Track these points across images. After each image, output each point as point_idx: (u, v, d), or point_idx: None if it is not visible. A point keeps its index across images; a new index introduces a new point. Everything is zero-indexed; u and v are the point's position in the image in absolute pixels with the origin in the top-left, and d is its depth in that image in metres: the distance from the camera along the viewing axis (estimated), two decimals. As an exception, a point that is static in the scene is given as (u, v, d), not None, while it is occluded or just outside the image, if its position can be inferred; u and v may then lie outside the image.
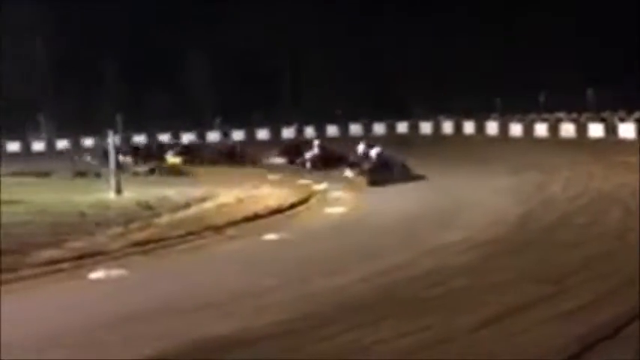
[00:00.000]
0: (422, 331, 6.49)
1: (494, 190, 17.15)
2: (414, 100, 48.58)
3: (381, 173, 21.92)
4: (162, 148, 35.52)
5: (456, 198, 16.39)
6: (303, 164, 27.27)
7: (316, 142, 29.46)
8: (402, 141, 35.65)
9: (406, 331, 6.46)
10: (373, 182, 21.08)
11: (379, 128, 47.04)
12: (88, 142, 45.85)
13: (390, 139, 41.10)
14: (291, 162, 28.39)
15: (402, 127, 46.18)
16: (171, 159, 31.92)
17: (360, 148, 24.23)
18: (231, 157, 31.30)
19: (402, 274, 9.09)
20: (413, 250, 10.53)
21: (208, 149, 36.16)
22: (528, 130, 36.79)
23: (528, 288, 7.89)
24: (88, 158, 36.88)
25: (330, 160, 26.42)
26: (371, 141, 26.66)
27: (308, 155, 28.03)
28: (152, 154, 33.21)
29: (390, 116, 47.26)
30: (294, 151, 29.60)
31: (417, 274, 9.11)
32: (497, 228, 12.38)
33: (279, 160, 29.33)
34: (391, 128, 46.58)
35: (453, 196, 16.70)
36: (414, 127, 45.41)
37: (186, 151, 33.69)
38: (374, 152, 23.77)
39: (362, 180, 21.47)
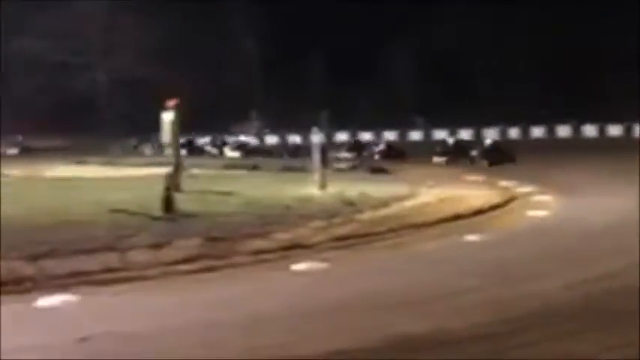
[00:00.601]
0: (630, 346, 6.13)
1: None
2: (628, 101, 45.83)
3: (495, 157, 28.89)
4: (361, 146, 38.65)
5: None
6: (372, 157, 34.27)
7: (383, 140, 39.94)
8: (614, 144, 33.76)
9: (612, 345, 6.15)
10: (491, 164, 27.98)
11: (590, 130, 44.86)
12: (295, 139, 47.74)
13: (602, 142, 39.04)
14: (359, 155, 35.27)
15: (615, 130, 43.63)
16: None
17: (450, 140, 33.02)
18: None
19: (609, 284, 8.60)
20: (622, 260, 9.91)
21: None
22: None
23: None
24: (147, 149, 40.81)
25: (395, 154, 34.03)
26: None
27: (377, 149, 36.01)
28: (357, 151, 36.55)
29: (602, 118, 44.90)
30: (360, 147, 37.92)
31: (626, 284, 8.56)
32: None
33: (348, 155, 35.67)
34: (602, 131, 44.26)
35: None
36: (628, 131, 42.73)
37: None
38: (488, 141, 33.24)
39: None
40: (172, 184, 15.30)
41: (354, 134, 50.16)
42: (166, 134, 18.27)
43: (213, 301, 8.18)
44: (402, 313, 7.47)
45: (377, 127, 51.60)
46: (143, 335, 6.75)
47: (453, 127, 48.98)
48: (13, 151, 42.36)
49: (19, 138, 44.66)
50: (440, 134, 47.48)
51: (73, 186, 20.46)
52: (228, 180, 22.03)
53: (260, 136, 52.90)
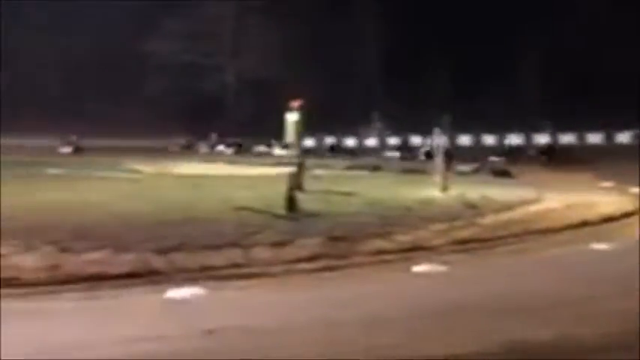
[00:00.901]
0: None
1: None
2: None
3: (552, 155, 34.68)
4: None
5: None
6: (415, 157, 38.06)
7: (428, 143, 40.81)
8: None
9: None
10: (549, 160, 33.45)
11: None
12: (416, 140, 47.61)
13: None
14: (404, 156, 39.70)
15: None
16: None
17: (511, 140, 39.12)
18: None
19: None
20: None
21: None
22: None
23: None
24: (202, 148, 45.30)
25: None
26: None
27: (422, 150, 39.01)
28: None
29: None
30: (408, 148, 42.53)
31: None
32: None
33: (397, 154, 40.48)
34: None
35: None
36: None
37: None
38: (544, 141, 42.69)
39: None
40: (295, 184, 15.58)
41: (477, 137, 49.44)
42: (290, 134, 18.64)
43: (334, 299, 8.30)
44: (524, 319, 7.32)
45: (500, 130, 50.55)
46: (267, 330, 6.93)
47: (581, 130, 47.43)
48: (67, 149, 43.21)
49: (74, 137, 45.69)
50: (566, 138, 46.44)
51: (200, 183, 21.18)
52: (350, 180, 22.22)
53: (381, 137, 52.93)
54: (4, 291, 8.43)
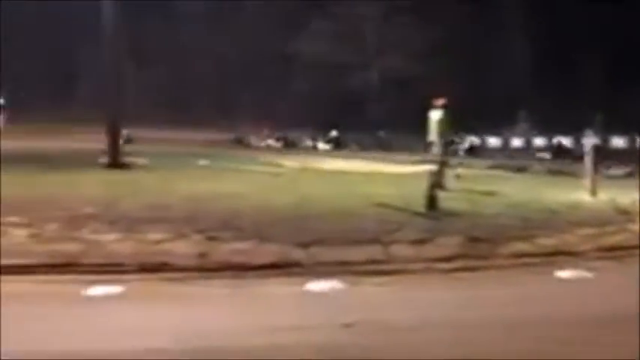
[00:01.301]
0: None
1: None
2: None
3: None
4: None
5: None
6: (455, 153, 38.06)
7: (468, 138, 44.86)
8: None
9: None
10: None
11: None
12: (565, 141, 46.16)
13: None
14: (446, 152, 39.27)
15: None
16: None
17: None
18: None
19: None
20: None
21: None
22: None
23: None
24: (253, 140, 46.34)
25: (475, 151, 40.71)
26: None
27: (461, 147, 41.59)
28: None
29: None
30: (450, 144, 43.82)
31: None
32: None
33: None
34: None
35: None
36: None
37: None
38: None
39: None
40: (436, 182, 15.47)
41: (632, 139, 47.21)
42: (433, 133, 18.53)
43: (472, 300, 8.21)
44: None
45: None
46: (404, 326, 6.96)
47: None
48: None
49: (125, 131, 47.11)
50: None
51: (341, 179, 21.46)
52: (493, 180, 21.80)
53: (527, 138, 51.52)
54: (155, 275, 8.95)
